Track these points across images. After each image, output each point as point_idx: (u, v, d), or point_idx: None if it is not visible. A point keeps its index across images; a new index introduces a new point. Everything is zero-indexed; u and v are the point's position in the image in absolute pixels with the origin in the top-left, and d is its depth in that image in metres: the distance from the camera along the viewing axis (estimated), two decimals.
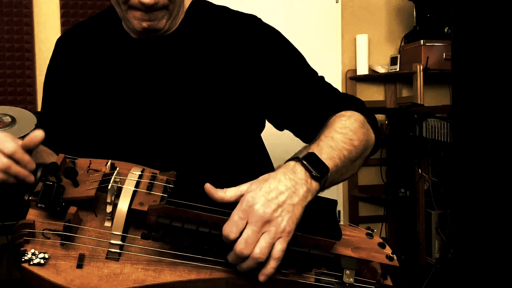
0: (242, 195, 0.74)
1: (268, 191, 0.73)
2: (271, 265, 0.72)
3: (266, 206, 0.72)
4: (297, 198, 0.74)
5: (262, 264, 0.72)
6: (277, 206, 0.72)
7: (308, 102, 1.02)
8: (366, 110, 1.01)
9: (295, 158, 0.79)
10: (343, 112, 0.96)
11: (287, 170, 0.77)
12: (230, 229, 0.71)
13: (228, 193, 0.74)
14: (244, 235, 0.71)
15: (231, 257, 0.73)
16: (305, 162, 0.78)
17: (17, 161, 0.79)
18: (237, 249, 0.71)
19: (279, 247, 0.72)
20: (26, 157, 0.79)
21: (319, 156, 0.80)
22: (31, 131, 0.90)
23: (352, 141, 0.88)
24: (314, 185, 0.78)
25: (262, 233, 0.72)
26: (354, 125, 0.92)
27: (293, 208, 0.73)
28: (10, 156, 0.78)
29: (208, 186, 0.75)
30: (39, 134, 0.81)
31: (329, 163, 0.80)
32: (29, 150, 0.81)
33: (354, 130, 0.90)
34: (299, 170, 0.77)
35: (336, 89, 1.06)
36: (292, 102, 1.03)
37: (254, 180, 0.76)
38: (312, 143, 0.86)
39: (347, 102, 1.01)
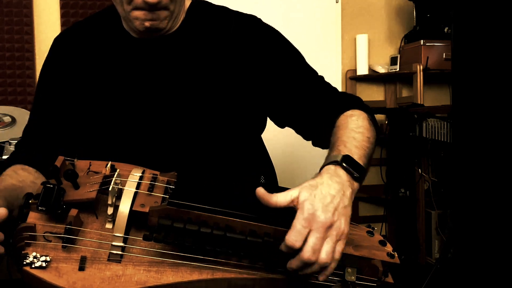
0: (292, 201, 0.75)
1: (323, 197, 0.75)
2: (332, 266, 0.75)
3: (326, 212, 0.73)
4: (347, 200, 0.77)
5: (323, 267, 0.75)
6: (334, 210, 0.74)
7: (309, 100, 1.04)
8: (366, 107, 1.03)
9: (333, 162, 0.81)
10: (351, 112, 0.98)
11: (331, 174, 0.79)
12: (295, 238, 0.72)
13: (280, 198, 0.75)
14: (310, 243, 0.72)
15: (295, 264, 0.74)
16: (345, 165, 0.81)
17: None
18: (305, 257, 0.72)
19: (339, 249, 0.75)
20: None
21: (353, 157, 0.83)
22: None
23: (369, 139, 0.93)
24: (356, 185, 0.81)
25: (325, 239, 0.73)
26: (365, 123, 0.96)
27: (345, 210, 0.76)
28: None
29: (261, 191, 0.75)
30: (1, 213, 0.78)
31: (361, 163, 0.84)
32: None
33: (367, 128, 0.95)
34: (342, 174, 0.80)
35: (335, 88, 1.08)
36: (294, 100, 1.04)
37: (302, 187, 0.76)
38: (337, 145, 0.88)
39: (348, 100, 1.04)
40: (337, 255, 0.75)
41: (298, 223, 0.73)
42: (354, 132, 0.91)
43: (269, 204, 0.75)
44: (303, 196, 0.74)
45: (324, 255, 0.73)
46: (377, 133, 1.01)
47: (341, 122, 0.95)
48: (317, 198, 0.74)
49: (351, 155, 0.83)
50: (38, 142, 1.05)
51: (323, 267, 0.74)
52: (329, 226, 0.73)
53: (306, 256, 0.72)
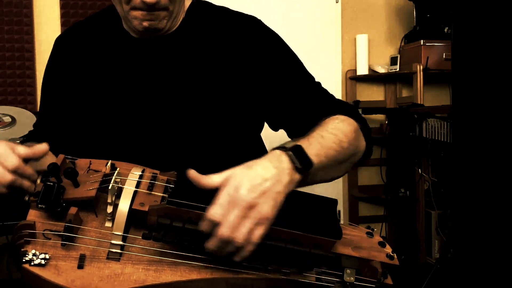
0: (225, 179, 0.74)
1: (253, 177, 0.73)
2: (248, 249, 0.73)
3: (251, 192, 0.72)
4: (281, 187, 0.75)
5: (239, 248, 0.73)
6: (262, 192, 0.73)
7: (303, 104, 1.03)
8: (360, 117, 1.02)
9: (281, 147, 0.80)
10: (337, 115, 0.97)
11: (273, 158, 0.78)
12: (215, 211, 0.71)
13: (214, 179, 0.74)
14: (229, 219, 0.71)
15: (213, 242, 0.72)
16: (290, 153, 0.79)
17: (20, 174, 0.81)
18: (221, 233, 0.71)
19: (258, 233, 0.73)
20: (28, 170, 0.81)
21: (306, 151, 0.80)
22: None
23: (341, 143, 0.89)
24: (297, 176, 0.78)
25: (245, 218, 0.72)
26: (346, 128, 0.93)
27: (276, 196, 0.74)
28: (14, 171, 0.80)
29: (192, 173, 0.74)
30: (43, 148, 0.82)
31: (315, 159, 0.81)
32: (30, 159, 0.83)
33: (345, 133, 0.92)
34: (284, 160, 0.78)
35: (332, 95, 1.07)
36: (288, 104, 1.04)
37: (239, 166, 0.75)
38: (302, 138, 0.86)
39: (342, 107, 1.02)
40: (255, 238, 0.72)
41: (222, 198, 0.71)
42: (327, 132, 0.89)
43: (200, 186, 0.73)
44: (234, 173, 0.73)
45: (239, 235, 0.71)
46: (367, 143, 1.00)
47: (322, 122, 0.93)
48: (246, 177, 0.73)
49: (306, 148, 0.80)
50: (47, 137, 1.07)
51: (239, 248, 0.73)
52: (251, 207, 0.72)
53: (223, 232, 0.71)
